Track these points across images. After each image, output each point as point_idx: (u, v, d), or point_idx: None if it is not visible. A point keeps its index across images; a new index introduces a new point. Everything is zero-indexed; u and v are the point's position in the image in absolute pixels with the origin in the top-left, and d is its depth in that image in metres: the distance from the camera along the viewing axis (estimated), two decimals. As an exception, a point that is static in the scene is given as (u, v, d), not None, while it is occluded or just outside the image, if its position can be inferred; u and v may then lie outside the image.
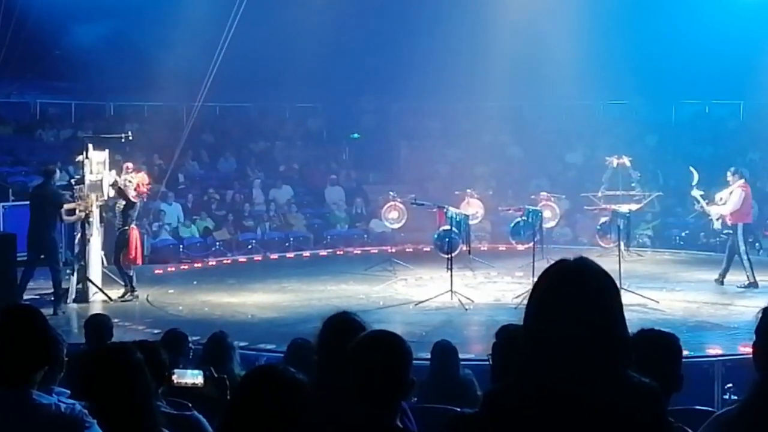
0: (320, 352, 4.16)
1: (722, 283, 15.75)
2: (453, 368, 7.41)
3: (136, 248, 15.06)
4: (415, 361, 3.56)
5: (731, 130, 24.69)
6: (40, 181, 15.55)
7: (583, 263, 2.82)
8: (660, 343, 3.89)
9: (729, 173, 15.93)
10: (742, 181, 15.82)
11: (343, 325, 4.14)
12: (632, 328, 3.02)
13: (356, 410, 3.30)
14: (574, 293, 2.74)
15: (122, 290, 15.10)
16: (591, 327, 2.71)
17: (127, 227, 15.04)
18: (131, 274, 15.11)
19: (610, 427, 2.70)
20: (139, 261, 15.42)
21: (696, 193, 16.27)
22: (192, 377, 4.84)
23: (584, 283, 2.77)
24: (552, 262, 2.92)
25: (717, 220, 16.12)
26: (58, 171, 15.03)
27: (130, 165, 15.68)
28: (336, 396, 3.37)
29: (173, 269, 18.54)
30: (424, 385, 6.97)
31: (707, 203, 16.52)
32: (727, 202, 15.80)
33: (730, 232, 15.64)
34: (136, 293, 15.01)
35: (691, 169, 16.80)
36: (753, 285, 15.30)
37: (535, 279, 2.88)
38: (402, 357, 3.40)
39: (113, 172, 15.17)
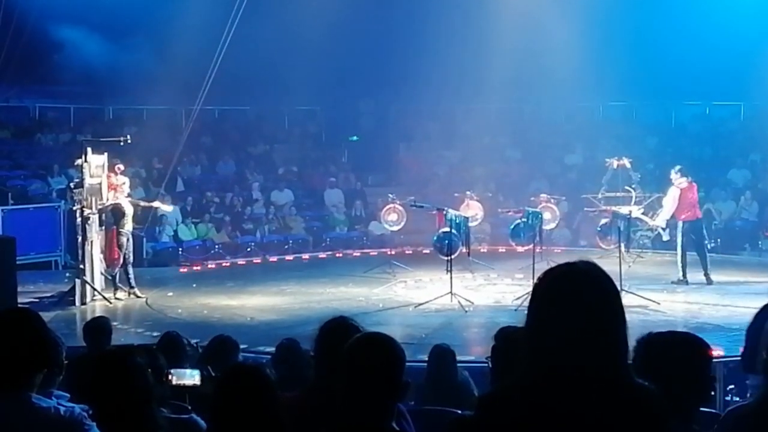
0: (317, 357, 4.15)
1: (710, 281, 15.76)
2: (451, 371, 7.40)
3: (112, 249, 15.16)
4: (415, 364, 3.55)
5: (732, 131, 24.66)
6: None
7: (586, 266, 2.81)
8: (691, 346, 3.58)
9: (673, 171, 15.81)
10: (685, 180, 15.67)
11: (340, 329, 4.12)
12: (633, 330, 2.98)
13: (351, 413, 3.29)
14: (578, 296, 2.74)
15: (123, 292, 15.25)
16: (593, 330, 2.70)
17: (110, 229, 15.26)
18: (114, 273, 15.24)
19: (609, 430, 2.69)
20: (113, 261, 15.41)
21: (637, 212, 16.20)
22: (190, 377, 4.85)
23: (588, 285, 2.76)
24: (552, 264, 2.91)
25: (664, 230, 16.09)
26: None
27: (121, 166, 15.68)
28: (333, 400, 3.36)
29: (172, 272, 18.53)
30: (422, 387, 6.97)
31: (650, 216, 16.49)
32: (664, 205, 15.84)
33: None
34: (117, 295, 15.17)
35: (627, 187, 16.69)
36: (683, 282, 15.62)
37: (536, 280, 2.86)
38: (394, 358, 3.38)
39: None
